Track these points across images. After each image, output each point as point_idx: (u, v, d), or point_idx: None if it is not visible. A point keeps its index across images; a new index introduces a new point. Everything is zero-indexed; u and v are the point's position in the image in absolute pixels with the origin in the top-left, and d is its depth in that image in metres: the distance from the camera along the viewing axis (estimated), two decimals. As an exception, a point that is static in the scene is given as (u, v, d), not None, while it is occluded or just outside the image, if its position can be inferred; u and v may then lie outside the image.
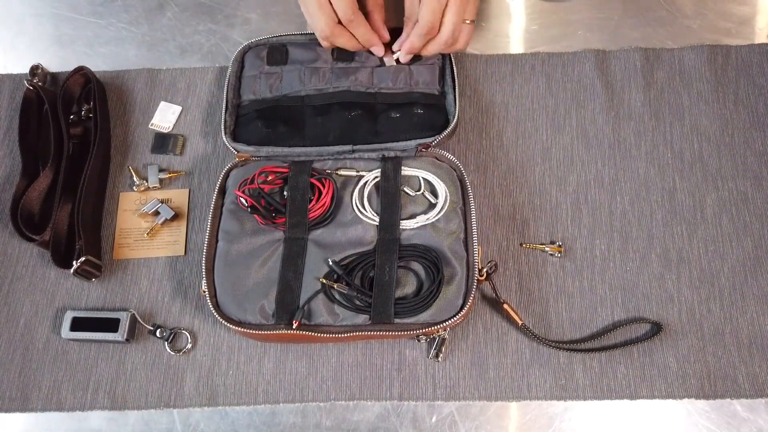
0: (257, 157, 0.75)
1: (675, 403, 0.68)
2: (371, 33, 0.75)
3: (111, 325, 0.71)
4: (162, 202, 0.77)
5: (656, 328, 0.70)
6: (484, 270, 0.69)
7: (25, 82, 0.82)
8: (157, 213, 0.76)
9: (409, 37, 0.74)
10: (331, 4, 0.71)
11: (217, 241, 0.71)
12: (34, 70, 0.84)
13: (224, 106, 0.78)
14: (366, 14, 0.74)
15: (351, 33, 0.74)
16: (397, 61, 0.78)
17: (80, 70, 0.82)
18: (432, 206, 0.71)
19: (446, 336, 0.68)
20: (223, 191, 0.74)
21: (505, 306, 0.70)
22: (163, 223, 0.76)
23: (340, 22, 0.73)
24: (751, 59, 0.82)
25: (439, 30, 0.72)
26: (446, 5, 0.71)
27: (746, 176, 0.76)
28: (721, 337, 0.70)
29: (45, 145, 0.80)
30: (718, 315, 0.70)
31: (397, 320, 0.66)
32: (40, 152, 0.81)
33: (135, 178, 0.79)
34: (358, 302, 0.67)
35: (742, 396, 0.67)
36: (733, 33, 0.84)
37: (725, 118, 0.79)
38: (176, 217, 0.77)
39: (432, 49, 0.74)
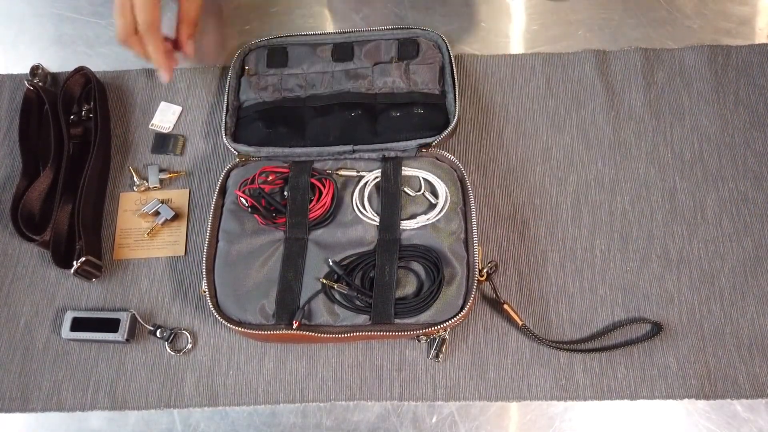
0: (258, 157, 0.75)
1: (675, 404, 0.68)
2: (160, 54, 0.73)
3: (111, 326, 0.71)
4: (162, 202, 0.77)
5: (656, 329, 0.70)
6: (485, 270, 0.69)
7: (26, 82, 0.82)
8: (157, 213, 0.76)
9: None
10: (133, 10, 0.70)
11: (217, 242, 0.71)
12: (35, 70, 0.84)
13: (224, 108, 0.78)
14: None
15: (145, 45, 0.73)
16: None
17: (80, 70, 0.82)
18: (432, 206, 0.71)
19: (446, 336, 0.68)
20: (223, 191, 0.74)
21: (506, 306, 0.70)
22: (163, 224, 0.76)
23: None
24: (751, 59, 0.82)
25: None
26: None
27: (746, 176, 0.76)
28: (722, 338, 0.69)
29: (45, 145, 0.80)
30: (718, 315, 0.70)
31: (397, 320, 0.66)
32: (40, 152, 0.81)
33: (135, 179, 0.79)
34: (358, 302, 0.67)
35: (743, 396, 0.67)
36: (733, 33, 0.84)
37: (725, 118, 0.79)
38: (176, 217, 0.77)
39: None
